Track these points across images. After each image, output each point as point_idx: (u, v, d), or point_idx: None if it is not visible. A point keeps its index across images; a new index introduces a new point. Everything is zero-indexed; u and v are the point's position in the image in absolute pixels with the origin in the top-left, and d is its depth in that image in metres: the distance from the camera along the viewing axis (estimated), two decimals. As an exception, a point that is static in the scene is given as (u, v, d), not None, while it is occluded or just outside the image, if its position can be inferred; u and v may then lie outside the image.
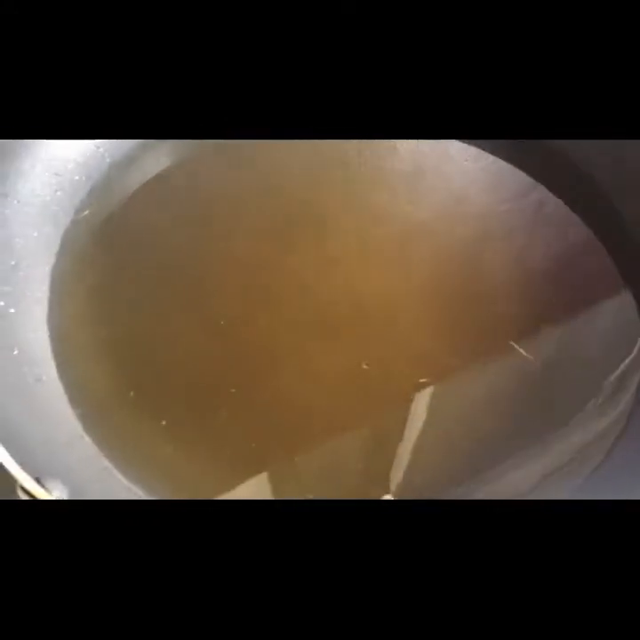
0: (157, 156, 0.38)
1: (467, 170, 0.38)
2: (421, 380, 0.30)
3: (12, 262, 0.31)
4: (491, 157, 0.38)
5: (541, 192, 0.38)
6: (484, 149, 0.38)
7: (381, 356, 0.31)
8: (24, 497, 0.21)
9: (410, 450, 0.29)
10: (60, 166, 0.35)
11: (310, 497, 0.28)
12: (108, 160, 0.37)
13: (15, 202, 0.33)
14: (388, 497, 0.27)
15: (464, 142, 0.38)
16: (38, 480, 0.21)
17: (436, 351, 0.31)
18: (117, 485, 0.27)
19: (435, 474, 0.28)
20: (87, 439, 0.28)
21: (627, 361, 0.32)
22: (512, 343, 0.31)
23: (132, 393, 0.30)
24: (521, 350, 0.31)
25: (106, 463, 0.28)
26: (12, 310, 0.30)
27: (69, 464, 0.26)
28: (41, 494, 0.20)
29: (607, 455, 0.28)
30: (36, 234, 0.33)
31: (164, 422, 0.29)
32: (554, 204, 0.37)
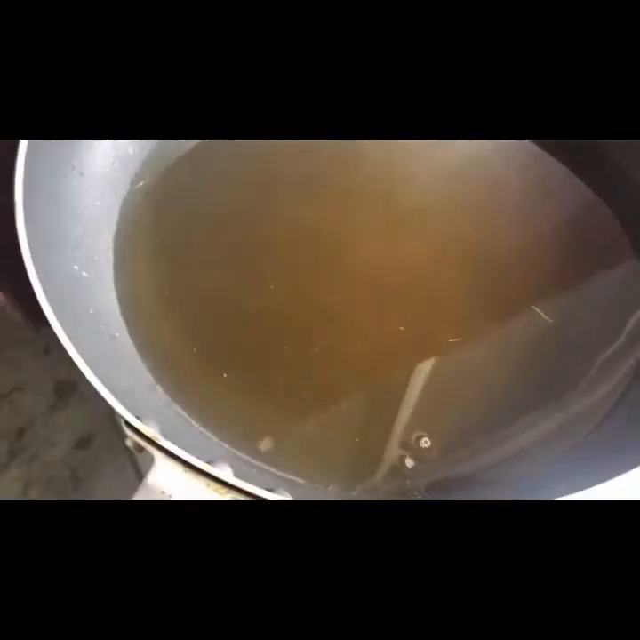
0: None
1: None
2: (450, 340, 0.34)
3: (81, 230, 0.34)
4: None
5: (548, 160, 0.41)
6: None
7: (415, 319, 0.35)
8: (130, 433, 0.24)
9: (442, 398, 0.33)
10: (116, 140, 0.38)
11: (356, 439, 0.32)
12: (158, 133, 0.39)
13: (80, 174, 0.35)
14: (427, 441, 0.31)
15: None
16: (138, 418, 0.25)
17: (463, 313, 0.35)
18: (190, 428, 0.31)
19: (457, 421, 0.32)
20: (159, 389, 0.32)
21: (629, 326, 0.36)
22: (533, 307, 0.35)
23: (194, 349, 0.33)
24: (540, 312, 0.35)
25: (177, 409, 0.31)
26: (85, 274, 0.33)
27: (151, 408, 0.30)
28: (145, 429, 0.24)
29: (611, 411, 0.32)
30: (98, 203, 0.36)
31: (225, 375, 0.33)
32: (561, 172, 0.41)
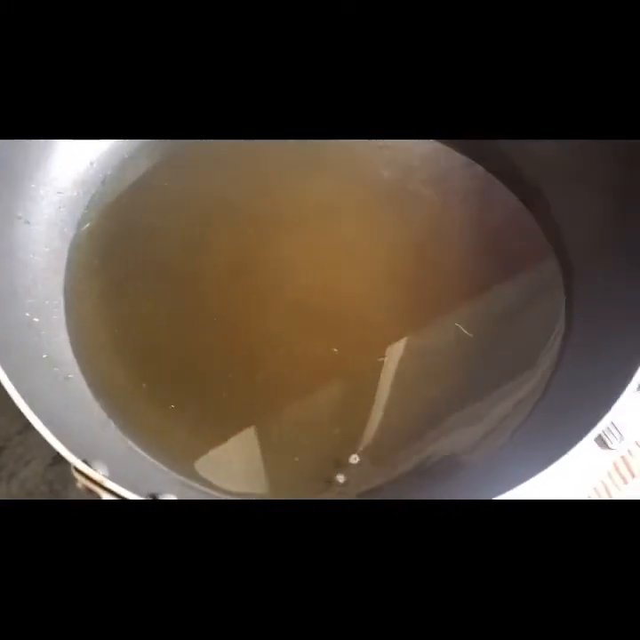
0: (145, 166, 0.42)
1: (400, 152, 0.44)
2: (379, 359, 0.37)
3: (31, 276, 0.37)
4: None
5: (472, 167, 0.44)
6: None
7: (347, 341, 0.38)
8: (79, 477, 0.27)
9: (372, 415, 0.36)
10: (60, 185, 0.40)
11: (296, 458, 0.35)
12: (100, 175, 0.41)
13: (27, 222, 0.37)
14: (356, 458, 0.35)
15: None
16: (85, 461, 0.27)
17: (390, 333, 0.38)
18: (142, 462, 0.33)
19: (391, 433, 0.36)
20: (112, 425, 0.34)
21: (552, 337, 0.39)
22: (457, 325, 0.38)
23: (144, 384, 0.36)
24: (463, 329, 0.38)
25: (130, 443, 0.34)
26: (36, 319, 0.36)
27: (103, 446, 0.32)
28: (91, 473, 0.27)
29: (528, 416, 0.36)
30: (47, 249, 0.38)
31: (172, 406, 0.36)
32: (485, 177, 0.43)
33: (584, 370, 0.35)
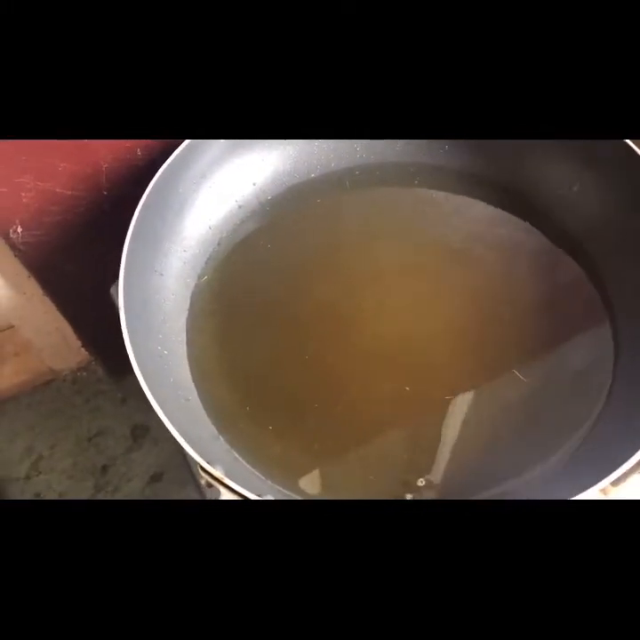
0: (252, 229, 0.51)
1: (467, 220, 0.51)
2: (446, 398, 0.43)
3: (162, 317, 0.46)
4: (481, 204, 0.51)
5: (536, 236, 0.50)
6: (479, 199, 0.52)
7: (418, 381, 0.44)
8: (203, 474, 0.35)
9: (437, 444, 0.42)
10: (186, 244, 0.49)
11: (371, 477, 0.41)
12: (217, 237, 0.51)
13: (160, 275, 0.47)
14: (422, 481, 0.40)
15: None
16: (210, 462, 0.35)
17: (455, 375, 0.44)
18: (244, 470, 0.41)
19: (454, 461, 0.41)
20: (221, 439, 0.42)
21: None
22: (514, 371, 0.44)
23: (248, 408, 0.44)
24: (518, 374, 0.44)
25: (235, 455, 0.41)
26: (166, 352, 0.44)
27: (216, 454, 0.40)
28: (214, 471, 0.34)
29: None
30: (173, 296, 0.47)
31: (270, 427, 0.43)
32: (547, 246, 0.49)
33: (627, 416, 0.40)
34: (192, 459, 0.35)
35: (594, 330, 0.46)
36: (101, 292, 0.53)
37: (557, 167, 0.51)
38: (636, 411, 0.39)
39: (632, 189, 0.46)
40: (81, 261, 0.57)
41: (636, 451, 0.34)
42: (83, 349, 0.75)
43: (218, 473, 0.34)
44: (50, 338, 0.71)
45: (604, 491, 0.47)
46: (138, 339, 0.40)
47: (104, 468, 0.73)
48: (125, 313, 0.40)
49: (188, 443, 0.36)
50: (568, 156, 0.50)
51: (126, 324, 0.39)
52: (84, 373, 0.79)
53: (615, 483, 0.42)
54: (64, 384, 0.79)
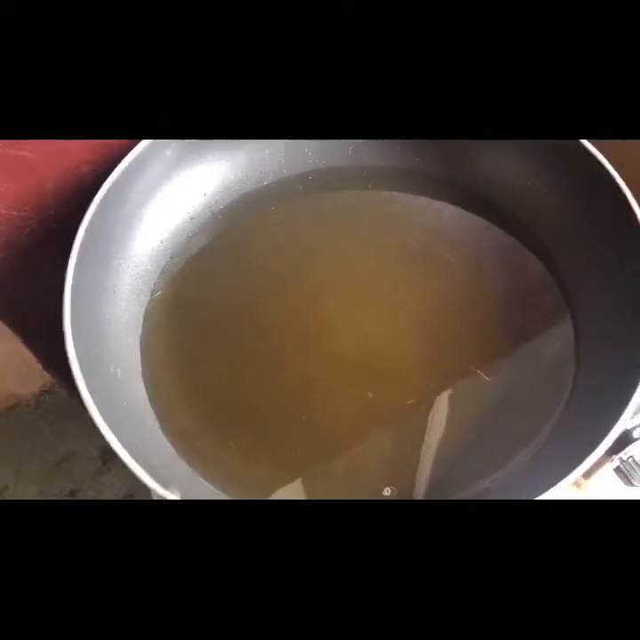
0: (205, 243, 0.50)
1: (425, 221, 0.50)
2: (408, 402, 0.42)
3: (115, 336, 0.44)
4: (438, 203, 0.51)
5: (496, 234, 0.49)
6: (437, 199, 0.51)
7: (382, 386, 0.43)
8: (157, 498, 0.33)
9: (405, 456, 0.41)
10: (136, 260, 0.48)
11: (333, 488, 0.40)
12: (169, 251, 0.49)
13: (113, 292, 0.45)
14: (389, 490, 0.40)
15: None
16: (165, 486, 0.34)
17: (418, 378, 0.44)
18: (206, 491, 0.39)
19: (422, 467, 0.40)
20: (181, 461, 0.41)
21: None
22: (478, 371, 0.43)
23: (207, 425, 0.42)
24: (482, 374, 0.43)
25: (196, 475, 0.40)
26: (120, 371, 0.43)
27: (176, 476, 0.39)
28: (168, 496, 0.33)
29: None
30: (126, 313, 0.46)
31: (231, 444, 0.42)
32: (508, 243, 0.49)
33: (591, 407, 0.40)
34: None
35: (556, 324, 0.46)
36: (55, 314, 0.51)
37: (513, 164, 0.50)
38: (600, 400, 0.39)
39: (588, 186, 0.46)
40: (31, 283, 0.55)
41: (603, 440, 0.34)
42: (45, 372, 0.73)
43: (173, 496, 0.33)
44: (9, 361, 0.69)
45: (577, 484, 0.47)
46: (88, 362, 0.39)
47: (72, 494, 0.71)
48: (73, 336, 0.38)
49: (144, 467, 0.34)
50: (523, 154, 0.49)
51: (74, 348, 0.38)
52: (48, 396, 0.77)
53: (587, 475, 0.42)
54: (27, 408, 0.77)
